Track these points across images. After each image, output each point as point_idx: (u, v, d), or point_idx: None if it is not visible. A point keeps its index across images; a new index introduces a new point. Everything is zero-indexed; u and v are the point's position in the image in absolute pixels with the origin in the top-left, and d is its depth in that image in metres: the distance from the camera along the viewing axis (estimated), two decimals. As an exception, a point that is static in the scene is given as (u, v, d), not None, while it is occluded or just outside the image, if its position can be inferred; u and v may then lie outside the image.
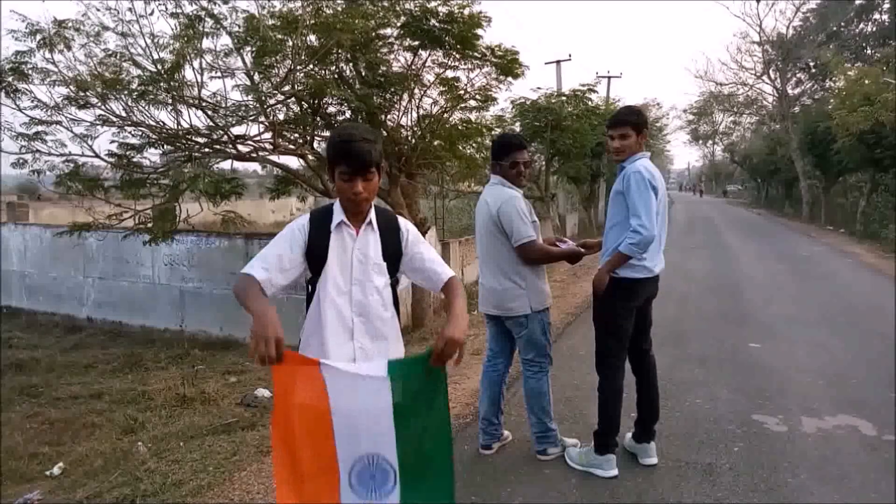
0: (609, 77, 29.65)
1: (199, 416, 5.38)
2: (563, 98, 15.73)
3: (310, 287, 2.24)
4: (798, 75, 30.22)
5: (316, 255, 2.19)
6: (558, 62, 24.71)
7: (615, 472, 3.46)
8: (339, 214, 2.21)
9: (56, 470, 4.56)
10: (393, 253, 2.27)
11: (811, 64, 27.99)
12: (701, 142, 48.76)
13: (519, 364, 3.83)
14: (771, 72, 30.15)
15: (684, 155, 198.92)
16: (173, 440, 4.67)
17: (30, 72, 5.82)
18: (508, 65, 7.92)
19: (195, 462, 4.04)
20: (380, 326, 2.23)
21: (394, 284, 2.30)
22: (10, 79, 5.73)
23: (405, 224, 2.34)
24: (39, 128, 6.14)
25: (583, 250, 3.70)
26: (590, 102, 16.16)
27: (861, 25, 26.58)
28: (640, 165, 3.31)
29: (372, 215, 2.24)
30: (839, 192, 25.84)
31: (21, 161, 6.21)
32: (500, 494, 3.32)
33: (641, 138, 3.41)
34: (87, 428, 5.49)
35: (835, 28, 26.82)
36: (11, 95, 5.83)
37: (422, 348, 6.50)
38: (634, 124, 3.39)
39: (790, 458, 3.67)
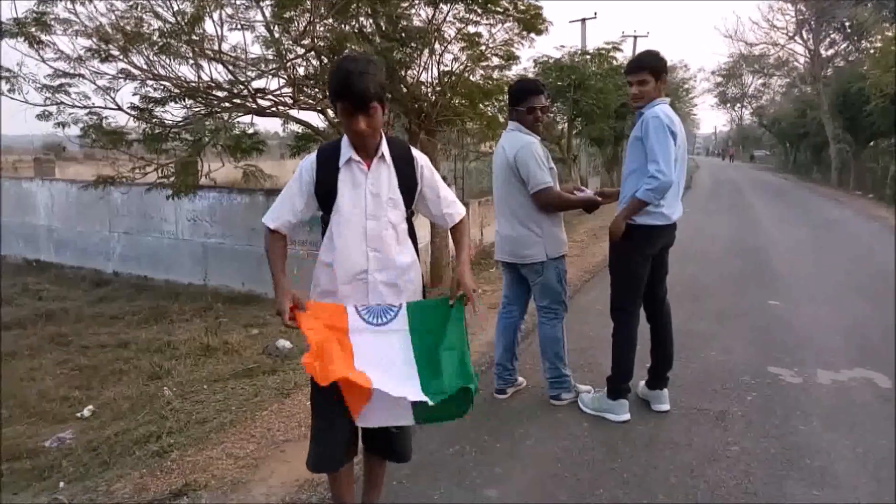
0: (635, 36, 29.04)
1: (222, 364, 5.51)
2: (588, 57, 15.40)
3: (324, 224, 2.24)
4: (832, 35, 29.15)
5: (325, 192, 2.17)
6: (583, 20, 24.24)
7: (627, 416, 3.51)
8: (347, 150, 2.15)
9: (86, 412, 4.74)
10: (408, 185, 2.22)
11: (846, 24, 26.97)
12: (729, 105, 47.62)
13: (535, 315, 3.86)
14: (804, 32, 29.11)
15: (711, 119, 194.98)
16: (197, 384, 4.81)
17: (52, 23, 5.85)
18: (531, 20, 7.75)
19: (218, 402, 4.18)
20: (395, 257, 2.20)
21: (409, 217, 2.27)
22: (33, 29, 5.77)
23: (419, 155, 2.28)
24: (63, 80, 6.20)
25: (599, 199, 3.68)
26: (614, 62, 15.78)
27: (902, -17, 25.49)
28: (659, 111, 3.27)
29: (384, 147, 2.18)
30: (869, 156, 25.19)
31: (46, 113, 6.30)
32: (512, 435, 3.39)
33: (661, 84, 3.36)
34: (115, 374, 5.67)
35: (874, -15, 25.78)
36: (35, 46, 5.88)
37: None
38: (653, 69, 3.33)
39: (803, 408, 3.69)
